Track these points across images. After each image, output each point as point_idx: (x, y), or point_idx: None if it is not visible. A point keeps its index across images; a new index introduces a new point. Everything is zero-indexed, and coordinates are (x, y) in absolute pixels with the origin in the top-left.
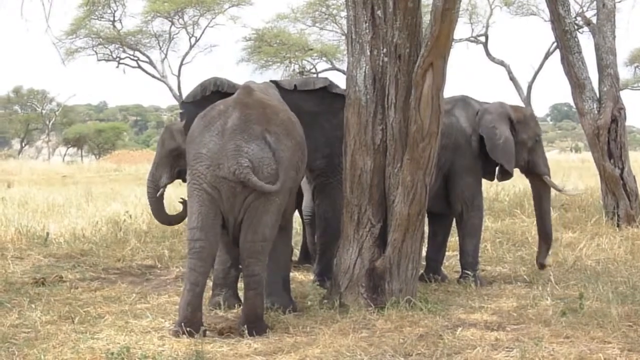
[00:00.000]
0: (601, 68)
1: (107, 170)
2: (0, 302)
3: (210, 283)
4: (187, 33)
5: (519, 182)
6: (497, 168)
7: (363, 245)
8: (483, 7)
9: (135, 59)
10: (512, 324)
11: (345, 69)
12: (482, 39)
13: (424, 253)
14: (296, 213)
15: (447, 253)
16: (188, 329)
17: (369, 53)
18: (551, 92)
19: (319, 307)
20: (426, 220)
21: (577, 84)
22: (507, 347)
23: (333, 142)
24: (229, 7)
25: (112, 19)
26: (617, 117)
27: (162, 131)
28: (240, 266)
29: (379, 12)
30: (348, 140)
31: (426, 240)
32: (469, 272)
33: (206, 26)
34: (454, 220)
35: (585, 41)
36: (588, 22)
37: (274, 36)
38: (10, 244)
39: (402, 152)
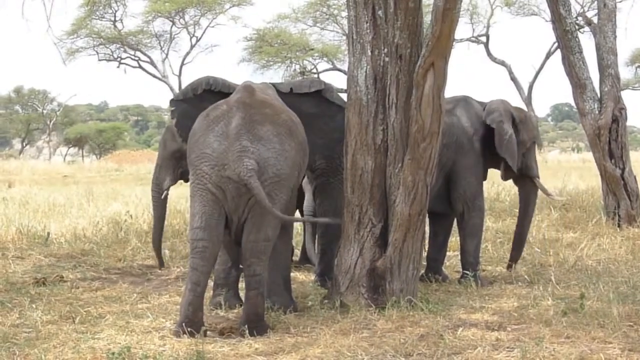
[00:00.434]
0: (602, 68)
1: (108, 170)
2: (1, 301)
3: (211, 283)
4: (188, 33)
5: None
6: (501, 165)
7: (364, 245)
8: (484, 7)
9: (136, 59)
10: (513, 324)
11: (346, 69)
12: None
13: (424, 253)
14: (297, 213)
15: (448, 253)
16: (189, 329)
17: (370, 53)
18: (552, 92)
19: (320, 307)
20: (427, 220)
21: (578, 84)
22: (508, 347)
23: (331, 145)
24: (230, 7)
25: (113, 19)
26: (618, 117)
27: (163, 132)
28: (240, 266)
29: (380, 12)
30: (349, 140)
31: (427, 240)
32: (470, 272)
33: (207, 26)
34: (455, 220)
35: (586, 41)
36: (589, 22)
37: (275, 36)
38: (11, 243)
39: (403, 152)
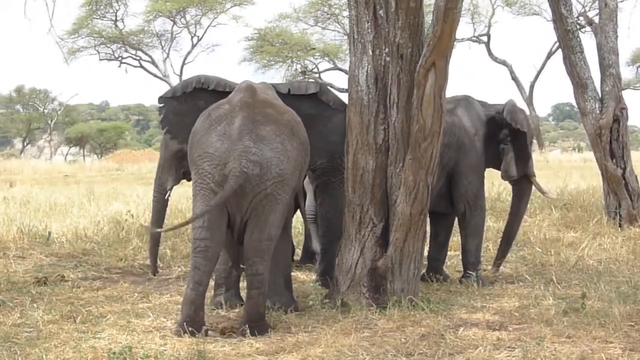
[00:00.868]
0: (603, 68)
1: (109, 170)
2: (2, 301)
3: (212, 283)
4: (189, 32)
5: None
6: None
7: (365, 245)
8: (485, 6)
9: (137, 58)
10: (514, 324)
11: (347, 69)
12: (484, 38)
13: (425, 253)
14: (297, 213)
15: (449, 253)
16: (190, 328)
17: (371, 53)
18: (553, 91)
19: (321, 306)
20: (428, 219)
21: (579, 83)
22: (509, 347)
23: (331, 146)
24: (231, 7)
25: (114, 18)
26: (619, 117)
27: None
28: (241, 265)
29: (381, 12)
30: (350, 139)
31: (428, 240)
32: (471, 272)
33: (208, 26)
34: (456, 219)
35: (588, 41)
36: (590, 22)
37: (276, 36)
38: (12, 243)
39: (404, 151)
